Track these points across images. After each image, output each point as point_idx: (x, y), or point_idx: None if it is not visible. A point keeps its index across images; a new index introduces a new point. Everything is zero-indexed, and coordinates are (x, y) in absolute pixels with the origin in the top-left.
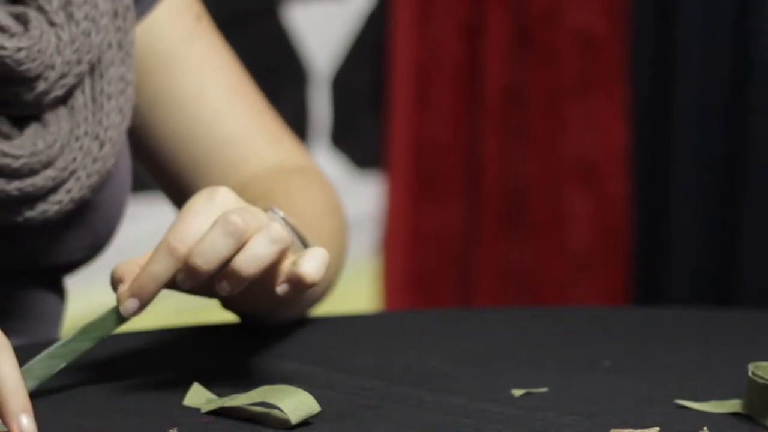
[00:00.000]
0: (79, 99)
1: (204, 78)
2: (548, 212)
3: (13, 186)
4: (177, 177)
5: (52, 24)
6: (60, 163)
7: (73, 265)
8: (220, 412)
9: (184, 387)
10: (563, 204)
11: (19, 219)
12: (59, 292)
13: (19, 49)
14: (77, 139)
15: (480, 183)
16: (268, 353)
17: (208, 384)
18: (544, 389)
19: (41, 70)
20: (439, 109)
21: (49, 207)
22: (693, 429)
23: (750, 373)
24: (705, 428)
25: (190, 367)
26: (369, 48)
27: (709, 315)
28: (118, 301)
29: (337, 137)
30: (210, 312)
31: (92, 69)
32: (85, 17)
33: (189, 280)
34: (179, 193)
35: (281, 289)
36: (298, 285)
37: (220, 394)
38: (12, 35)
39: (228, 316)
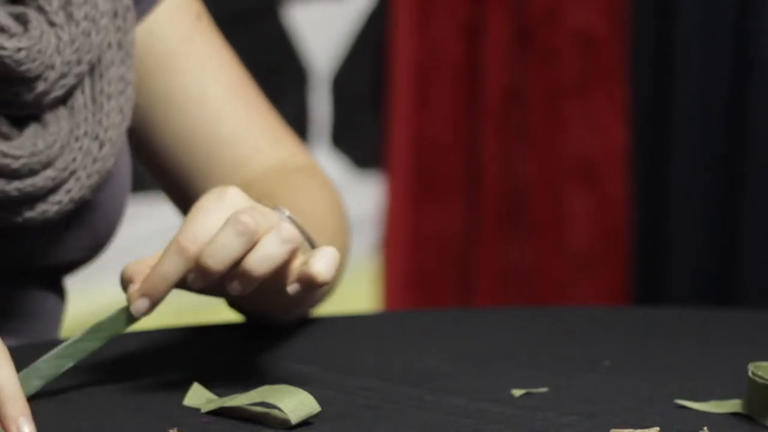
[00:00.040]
0: (78, 99)
1: (205, 77)
2: (548, 212)
3: (13, 186)
4: (178, 177)
5: (51, 24)
6: (60, 164)
7: (73, 265)
8: (220, 412)
9: (184, 387)
10: (563, 204)
11: (19, 219)
12: (59, 292)
13: (19, 50)
14: (77, 139)
15: (480, 183)
16: (267, 353)
17: (208, 384)
18: (544, 389)
19: (41, 70)
20: (439, 109)
21: (49, 207)
22: (693, 429)
23: (750, 373)
24: (705, 428)
25: (190, 367)
26: (369, 48)
27: (709, 315)
28: (129, 300)
29: (337, 137)
30: (210, 312)
31: (92, 69)
32: (85, 17)
33: (200, 280)
34: (180, 192)
35: (292, 288)
36: (309, 284)
37: (220, 394)
38: (12, 35)
39: (228, 316)
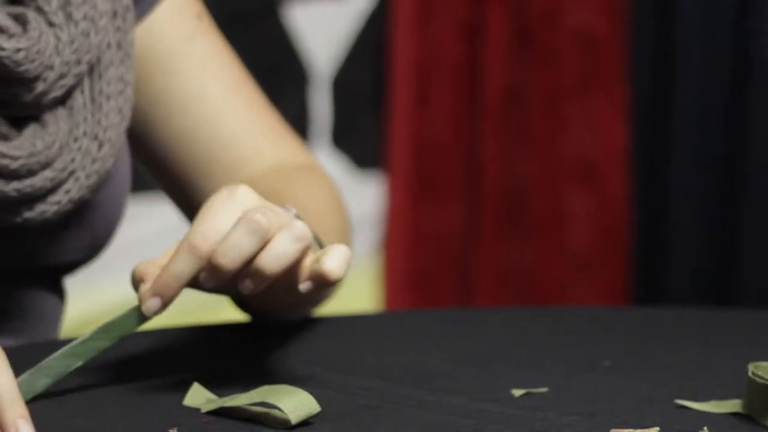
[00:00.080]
0: (78, 99)
1: (205, 77)
2: (548, 212)
3: (12, 187)
4: (178, 176)
5: (51, 24)
6: (59, 164)
7: (72, 266)
8: (220, 412)
9: (184, 387)
10: (563, 204)
11: (18, 220)
12: (59, 292)
13: (18, 50)
14: (76, 139)
15: (480, 183)
16: (267, 353)
17: (208, 384)
18: (544, 389)
19: (40, 70)
20: (439, 109)
21: (48, 208)
22: (693, 429)
23: (750, 373)
24: (705, 428)
25: (190, 367)
26: (369, 48)
27: (709, 315)
28: (140, 300)
29: (337, 137)
30: (210, 312)
31: (91, 69)
32: (84, 17)
33: (212, 278)
34: (181, 192)
35: (304, 286)
36: (321, 282)
37: (220, 394)
38: (11, 36)
39: (228, 316)
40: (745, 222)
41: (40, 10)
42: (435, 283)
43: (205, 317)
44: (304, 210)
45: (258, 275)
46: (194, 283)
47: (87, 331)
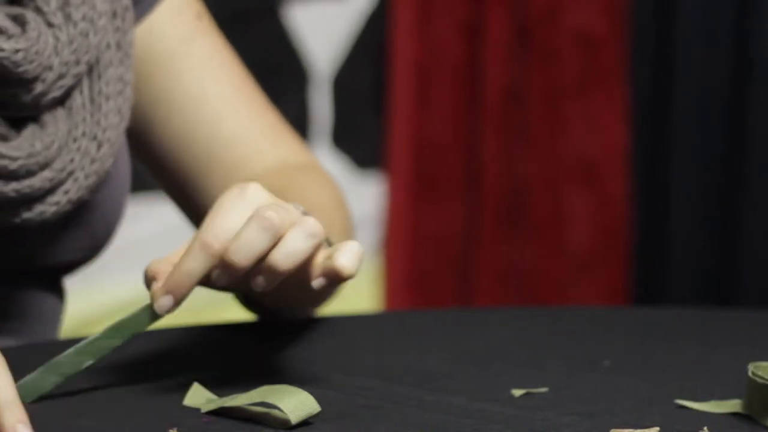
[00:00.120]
0: (77, 100)
1: (205, 77)
2: (548, 212)
3: (11, 187)
4: (178, 176)
5: (50, 25)
6: (57, 165)
7: (72, 266)
8: (220, 412)
9: (184, 387)
10: (563, 204)
11: (17, 220)
12: (58, 292)
13: (17, 51)
14: (75, 140)
15: (480, 183)
16: (268, 353)
17: (208, 384)
18: (544, 389)
19: (39, 71)
20: (439, 109)
21: (47, 208)
22: (693, 429)
23: (750, 373)
24: (705, 428)
25: (190, 367)
26: (369, 48)
27: (709, 315)
28: (152, 298)
29: (337, 137)
30: (210, 312)
31: (90, 70)
32: (83, 18)
33: (225, 276)
34: (181, 192)
35: (317, 283)
36: (334, 279)
37: (220, 394)
38: (10, 37)
39: (227, 316)
40: (745, 222)
41: (39, 10)
42: (435, 283)
43: (214, 315)
44: (310, 208)
45: (271, 272)
46: (206, 281)
47: (87, 331)
